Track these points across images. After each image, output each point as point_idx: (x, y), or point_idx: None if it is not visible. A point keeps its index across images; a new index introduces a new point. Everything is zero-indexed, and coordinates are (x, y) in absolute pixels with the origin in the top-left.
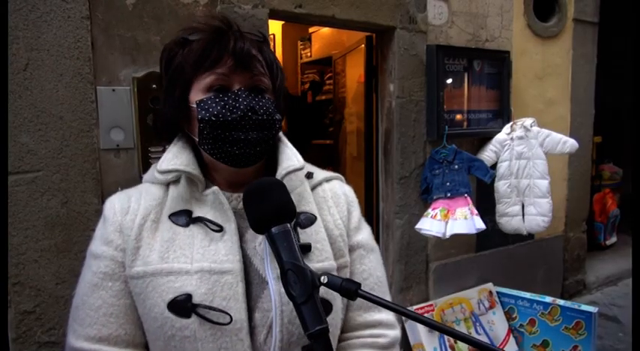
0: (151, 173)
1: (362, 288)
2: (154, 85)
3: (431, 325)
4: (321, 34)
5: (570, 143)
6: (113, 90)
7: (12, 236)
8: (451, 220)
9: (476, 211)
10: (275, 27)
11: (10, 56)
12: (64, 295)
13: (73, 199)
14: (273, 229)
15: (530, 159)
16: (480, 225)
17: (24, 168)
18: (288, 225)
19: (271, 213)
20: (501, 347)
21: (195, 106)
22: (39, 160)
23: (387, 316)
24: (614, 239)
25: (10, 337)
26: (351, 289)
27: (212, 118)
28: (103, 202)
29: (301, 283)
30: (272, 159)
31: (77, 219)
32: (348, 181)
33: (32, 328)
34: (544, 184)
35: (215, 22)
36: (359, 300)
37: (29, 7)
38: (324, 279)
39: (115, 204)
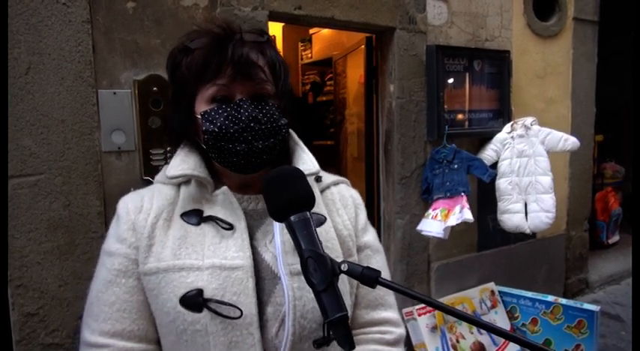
0: (163, 174)
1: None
2: (155, 88)
3: (458, 315)
4: (322, 35)
5: (572, 141)
6: (114, 93)
7: (15, 239)
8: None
9: (467, 205)
10: (275, 28)
11: (12, 60)
12: (67, 297)
13: (75, 202)
14: (293, 217)
15: (532, 157)
16: (468, 216)
17: (26, 171)
18: (308, 213)
19: (292, 200)
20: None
21: (200, 117)
22: (41, 163)
23: (394, 314)
24: (616, 238)
25: (14, 339)
26: (372, 277)
27: (215, 129)
28: (105, 204)
29: (321, 271)
30: (285, 159)
31: (79, 221)
32: (350, 182)
33: (36, 330)
34: (547, 180)
35: (215, 29)
36: (366, 298)
37: (30, 11)
38: (344, 266)
39: (129, 203)
